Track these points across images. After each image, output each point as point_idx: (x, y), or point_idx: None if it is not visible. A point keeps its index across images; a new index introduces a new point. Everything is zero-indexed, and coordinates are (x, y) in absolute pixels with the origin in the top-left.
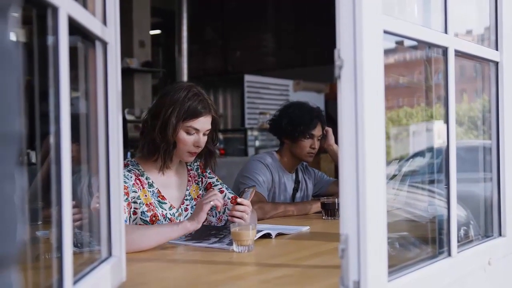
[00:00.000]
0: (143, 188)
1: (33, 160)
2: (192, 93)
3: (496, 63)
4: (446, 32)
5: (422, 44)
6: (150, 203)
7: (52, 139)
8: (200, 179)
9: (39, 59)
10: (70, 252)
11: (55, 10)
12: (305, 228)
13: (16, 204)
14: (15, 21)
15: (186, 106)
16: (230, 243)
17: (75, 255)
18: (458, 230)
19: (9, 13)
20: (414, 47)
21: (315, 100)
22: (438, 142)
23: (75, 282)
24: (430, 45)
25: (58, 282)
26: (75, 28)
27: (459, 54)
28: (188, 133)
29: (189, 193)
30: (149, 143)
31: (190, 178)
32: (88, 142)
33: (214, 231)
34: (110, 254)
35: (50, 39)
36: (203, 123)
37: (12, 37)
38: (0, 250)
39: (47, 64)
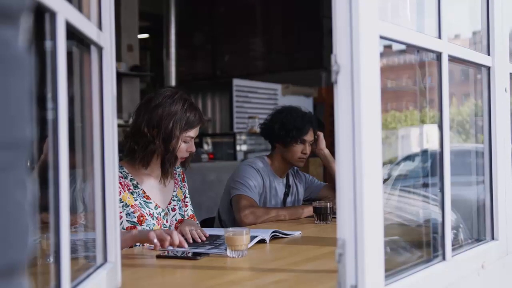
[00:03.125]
0: (125, 191)
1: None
2: (188, 104)
3: (488, 68)
4: (439, 37)
5: (411, 48)
6: (135, 204)
7: (49, 144)
8: (182, 184)
9: (35, 64)
10: (68, 258)
11: (53, 15)
12: (297, 233)
13: (27, 210)
14: (26, 27)
15: (186, 118)
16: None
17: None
18: None
19: (20, 20)
20: (402, 51)
21: (304, 104)
22: (428, 146)
23: None
24: (425, 50)
25: None
26: (71, 32)
27: (452, 59)
28: (185, 142)
29: (176, 194)
30: (150, 154)
31: (176, 181)
32: (82, 147)
33: (209, 240)
34: (105, 260)
35: (47, 44)
36: (197, 130)
37: (23, 43)
38: (14, 256)
39: (44, 69)
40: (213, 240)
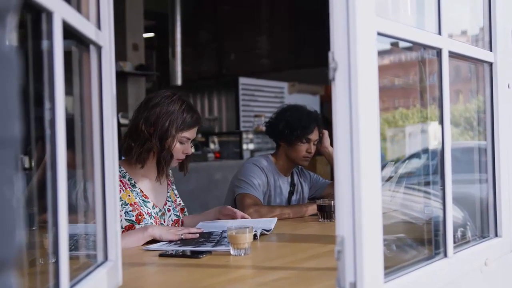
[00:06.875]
0: (126, 189)
1: (26, 165)
2: (186, 105)
3: (490, 64)
4: (440, 33)
5: (416, 46)
6: (134, 203)
7: (47, 144)
8: (174, 186)
9: (33, 63)
10: (67, 257)
11: (49, 14)
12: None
13: (15, 208)
14: (13, 26)
15: (183, 118)
16: (228, 245)
17: (70, 260)
18: (455, 231)
19: (7, 18)
20: (408, 48)
21: (310, 102)
22: (434, 143)
23: (71, 287)
24: (424, 47)
25: (54, 287)
26: (69, 32)
27: (453, 55)
28: (181, 142)
29: (169, 196)
30: (146, 152)
31: (169, 182)
32: (83, 147)
33: (202, 239)
34: (106, 258)
35: (44, 44)
36: (194, 132)
37: (10, 42)
38: (2, 253)
39: (41, 68)
40: (208, 238)
